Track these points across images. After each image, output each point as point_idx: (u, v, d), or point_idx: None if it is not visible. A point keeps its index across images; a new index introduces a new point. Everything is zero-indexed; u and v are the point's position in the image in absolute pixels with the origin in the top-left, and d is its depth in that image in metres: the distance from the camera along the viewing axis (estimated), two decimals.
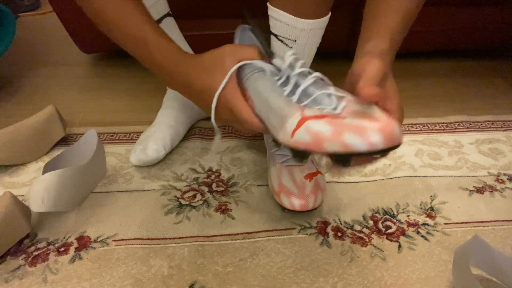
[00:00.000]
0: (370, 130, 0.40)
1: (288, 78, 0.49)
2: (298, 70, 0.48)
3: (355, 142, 0.40)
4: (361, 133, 0.40)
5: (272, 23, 0.65)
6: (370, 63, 0.45)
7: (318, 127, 0.42)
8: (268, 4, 0.63)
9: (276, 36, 0.65)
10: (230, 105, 0.50)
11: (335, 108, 0.44)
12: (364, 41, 0.49)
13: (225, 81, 0.49)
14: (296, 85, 0.48)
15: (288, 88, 0.48)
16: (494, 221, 0.64)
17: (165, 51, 0.52)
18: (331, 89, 0.46)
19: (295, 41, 0.64)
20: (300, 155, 0.46)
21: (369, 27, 0.51)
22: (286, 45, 0.65)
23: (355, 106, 0.43)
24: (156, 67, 0.54)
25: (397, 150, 0.44)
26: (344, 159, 0.45)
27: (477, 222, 0.64)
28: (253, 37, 0.62)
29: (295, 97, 0.47)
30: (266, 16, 0.65)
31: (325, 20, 0.64)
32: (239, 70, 0.51)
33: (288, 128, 0.45)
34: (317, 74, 0.48)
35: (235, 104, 0.50)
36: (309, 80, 0.47)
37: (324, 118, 0.43)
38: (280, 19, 0.62)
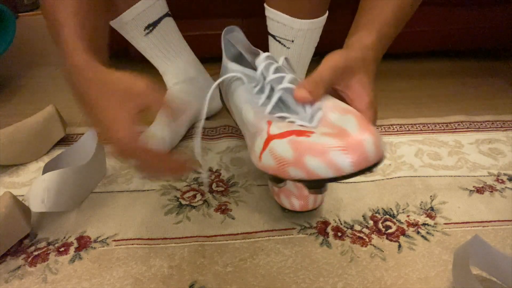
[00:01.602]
0: (333, 151, 0.32)
1: (263, 86, 0.46)
2: (271, 76, 0.45)
3: (318, 166, 0.32)
4: (323, 155, 0.32)
5: (270, 24, 0.65)
6: (326, 59, 0.40)
7: (280, 150, 0.36)
8: (265, 5, 0.63)
9: (273, 37, 0.65)
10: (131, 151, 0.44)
11: (311, 119, 0.38)
12: (350, 35, 0.46)
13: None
14: (271, 94, 0.45)
15: (263, 97, 0.45)
16: (494, 221, 0.64)
17: (77, 50, 0.45)
18: None
19: (293, 41, 0.64)
20: (276, 178, 0.39)
21: (357, 20, 0.48)
22: (284, 45, 0.65)
23: (332, 116, 0.38)
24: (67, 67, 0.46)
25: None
26: (316, 185, 0.39)
27: (477, 222, 0.64)
28: (239, 38, 0.60)
29: (268, 108, 0.43)
30: (263, 17, 0.65)
31: (322, 20, 0.64)
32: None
33: (256, 149, 0.40)
34: (290, 85, 0.43)
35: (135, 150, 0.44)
36: (279, 92, 0.43)
37: (289, 136, 0.36)
38: (277, 20, 0.62)
